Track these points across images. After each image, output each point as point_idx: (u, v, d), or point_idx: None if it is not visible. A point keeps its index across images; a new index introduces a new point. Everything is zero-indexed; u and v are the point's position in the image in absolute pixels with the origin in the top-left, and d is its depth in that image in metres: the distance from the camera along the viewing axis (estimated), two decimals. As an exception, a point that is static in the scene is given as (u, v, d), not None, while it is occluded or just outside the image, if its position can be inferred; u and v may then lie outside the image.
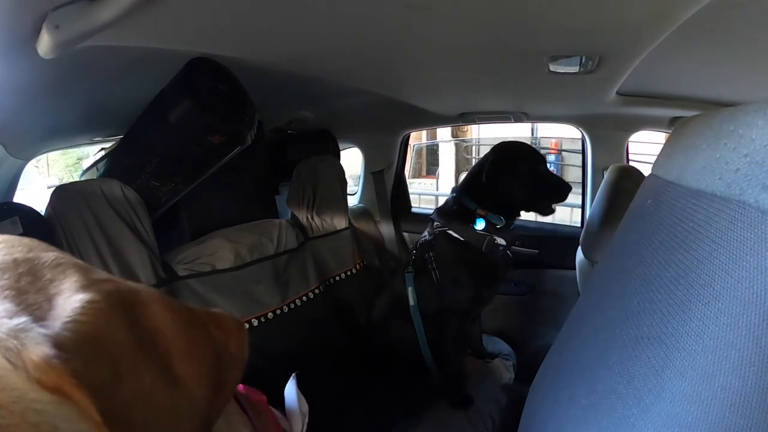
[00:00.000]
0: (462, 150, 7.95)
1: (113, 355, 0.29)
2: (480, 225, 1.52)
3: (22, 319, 0.27)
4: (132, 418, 0.29)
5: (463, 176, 1.89)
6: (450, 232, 1.55)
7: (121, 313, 0.31)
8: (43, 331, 0.27)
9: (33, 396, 0.26)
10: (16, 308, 0.27)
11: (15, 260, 0.30)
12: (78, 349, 0.27)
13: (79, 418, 0.28)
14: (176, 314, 0.35)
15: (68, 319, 0.28)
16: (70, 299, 0.29)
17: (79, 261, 0.33)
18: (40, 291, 0.29)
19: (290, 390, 0.60)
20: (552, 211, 1.59)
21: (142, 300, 0.33)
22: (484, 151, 1.98)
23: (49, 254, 0.32)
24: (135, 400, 0.30)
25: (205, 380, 0.34)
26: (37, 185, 3.35)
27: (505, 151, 1.58)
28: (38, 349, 0.26)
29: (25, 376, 0.26)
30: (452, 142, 7.98)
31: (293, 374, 0.61)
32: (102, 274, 0.33)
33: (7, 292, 0.28)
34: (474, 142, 7.65)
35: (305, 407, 0.59)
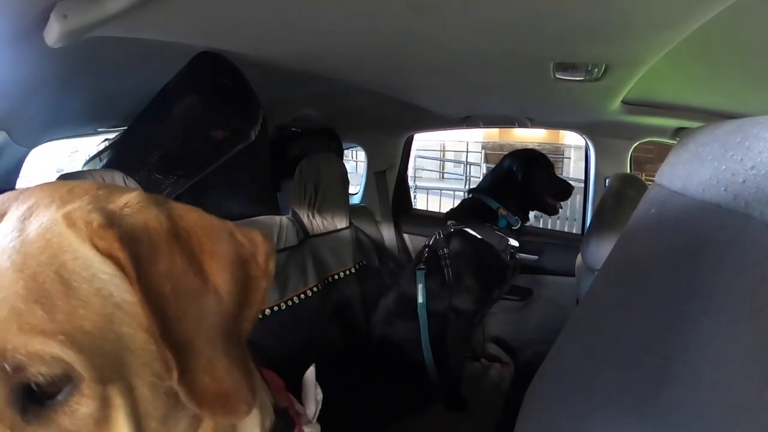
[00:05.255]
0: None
1: (151, 235, 0.37)
2: (502, 223, 1.60)
3: (90, 206, 0.37)
4: (165, 293, 0.36)
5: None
6: (467, 229, 1.58)
7: (156, 206, 0.39)
8: (101, 210, 0.37)
9: (97, 265, 0.36)
10: (91, 204, 0.37)
11: (98, 185, 0.41)
12: (123, 225, 0.37)
13: (127, 289, 0.36)
14: (208, 220, 0.43)
15: (118, 207, 0.38)
16: (121, 199, 0.39)
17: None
18: (108, 198, 0.39)
19: (309, 377, 0.63)
20: (557, 211, 1.74)
21: (176, 205, 0.42)
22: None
23: (125, 188, 0.43)
24: (167, 277, 0.37)
25: (232, 280, 0.40)
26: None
27: (530, 156, 1.72)
28: (97, 220, 0.36)
29: (89, 241, 0.35)
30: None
31: (313, 364, 0.65)
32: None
33: (87, 197, 0.38)
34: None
35: (320, 395, 0.63)
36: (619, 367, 0.51)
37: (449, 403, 1.52)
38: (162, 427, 0.38)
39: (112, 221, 0.36)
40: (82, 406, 0.33)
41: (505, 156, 1.77)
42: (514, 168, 1.67)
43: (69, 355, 0.32)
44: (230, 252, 0.41)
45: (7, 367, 0.31)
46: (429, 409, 1.50)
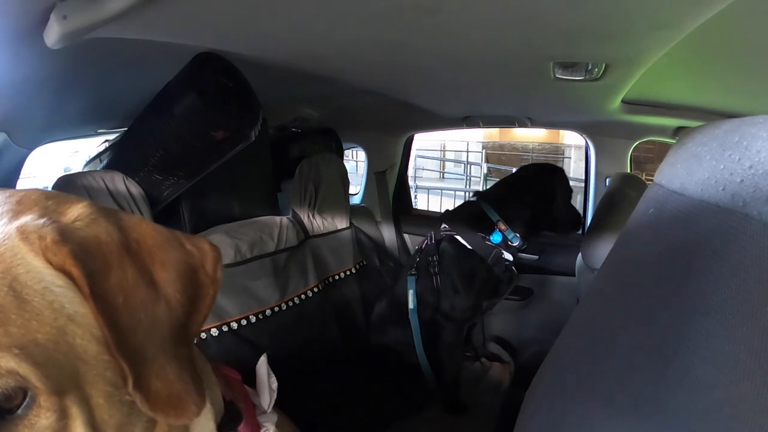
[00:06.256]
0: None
1: (103, 249, 0.38)
2: (496, 238, 1.49)
3: (42, 220, 0.37)
4: (117, 306, 0.38)
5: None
6: (457, 237, 1.53)
7: (106, 218, 0.40)
8: (54, 225, 0.37)
9: (49, 278, 0.36)
10: (40, 216, 0.38)
11: (47, 195, 0.42)
12: (75, 239, 0.37)
13: (80, 301, 0.37)
14: (157, 230, 0.43)
15: (69, 220, 0.39)
16: (72, 211, 0.40)
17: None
18: (58, 210, 0.40)
19: (261, 367, 0.64)
20: (569, 233, 1.63)
21: (126, 216, 0.43)
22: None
23: (74, 198, 0.43)
24: (119, 289, 0.38)
25: (181, 289, 0.41)
26: None
27: (550, 173, 1.59)
28: (51, 235, 0.36)
29: (41, 255, 0.36)
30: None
31: (264, 353, 0.66)
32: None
33: (36, 208, 0.39)
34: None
35: (275, 384, 0.64)
36: (619, 366, 0.51)
37: (447, 406, 1.51)
38: None
39: (64, 236, 0.37)
40: (41, 419, 0.34)
41: (524, 167, 1.66)
42: (531, 183, 1.55)
43: (24, 368, 0.33)
44: (180, 261, 0.42)
45: None
46: (429, 409, 1.50)
